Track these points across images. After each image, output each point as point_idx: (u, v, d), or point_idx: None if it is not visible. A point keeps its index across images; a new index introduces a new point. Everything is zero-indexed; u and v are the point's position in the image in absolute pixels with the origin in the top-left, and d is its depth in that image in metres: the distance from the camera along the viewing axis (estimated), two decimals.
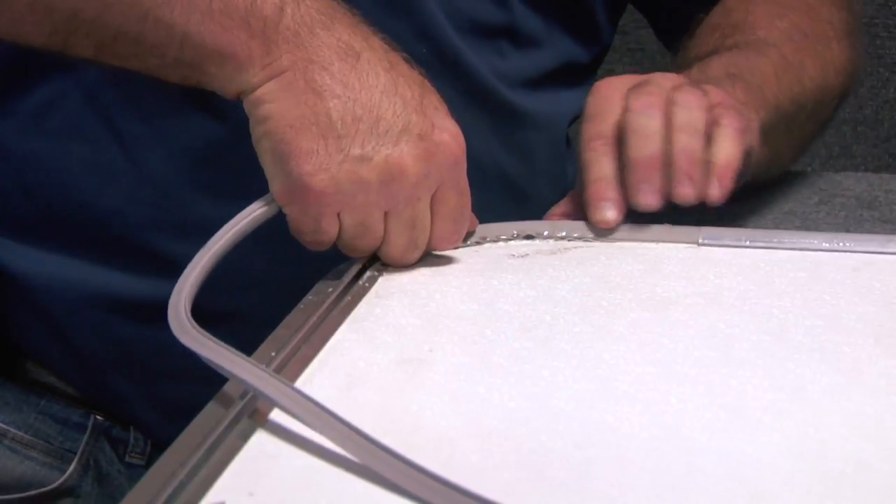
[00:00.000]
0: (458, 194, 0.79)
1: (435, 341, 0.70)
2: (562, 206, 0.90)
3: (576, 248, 0.85)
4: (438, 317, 0.74)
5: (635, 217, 0.87)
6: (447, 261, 0.82)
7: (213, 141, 0.90)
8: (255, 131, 0.76)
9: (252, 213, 0.77)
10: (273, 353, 0.68)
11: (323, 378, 0.66)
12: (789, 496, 0.55)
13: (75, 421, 0.97)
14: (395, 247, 0.79)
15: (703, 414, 0.62)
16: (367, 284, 0.78)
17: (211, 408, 0.62)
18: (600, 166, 0.85)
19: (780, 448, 0.59)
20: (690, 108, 0.84)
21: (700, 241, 0.85)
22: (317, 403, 0.59)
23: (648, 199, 0.83)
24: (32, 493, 0.95)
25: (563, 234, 0.87)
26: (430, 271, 0.81)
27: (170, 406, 0.94)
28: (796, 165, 1.68)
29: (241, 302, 0.92)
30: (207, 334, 0.66)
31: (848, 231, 0.99)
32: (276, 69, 0.75)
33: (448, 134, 0.78)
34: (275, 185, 0.76)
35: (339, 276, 0.79)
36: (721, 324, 0.72)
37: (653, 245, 0.85)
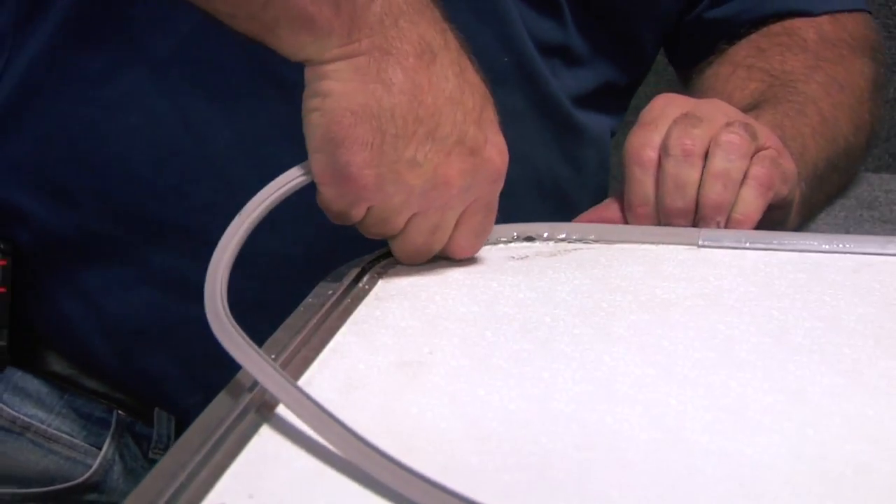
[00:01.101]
0: (488, 211, 0.79)
1: (435, 343, 0.70)
2: (600, 210, 0.92)
3: (576, 249, 0.85)
4: (438, 319, 0.74)
5: None
6: (447, 263, 0.82)
7: (279, 124, 0.89)
8: (310, 102, 0.75)
9: (289, 182, 0.76)
10: (273, 356, 0.68)
11: (323, 380, 0.66)
12: (789, 497, 0.55)
13: (98, 416, 0.97)
14: (410, 244, 0.78)
15: (703, 415, 0.62)
16: (367, 287, 0.78)
17: (211, 409, 0.62)
18: (645, 188, 0.88)
19: (780, 449, 0.59)
20: (730, 156, 0.86)
21: (700, 242, 0.85)
22: (318, 405, 0.59)
23: None
24: (58, 487, 0.95)
25: (563, 235, 0.87)
26: (429, 273, 0.81)
27: (213, 389, 0.94)
28: None
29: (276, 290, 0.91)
30: (234, 323, 0.65)
31: (848, 232, 0.99)
32: (353, 51, 0.74)
33: (496, 151, 0.77)
34: (318, 163, 0.75)
35: (339, 279, 0.79)
36: (721, 325, 0.72)
37: (652, 247, 0.85)
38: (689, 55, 1.11)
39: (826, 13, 1.09)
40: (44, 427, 0.96)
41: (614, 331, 0.72)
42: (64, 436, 0.96)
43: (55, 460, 0.95)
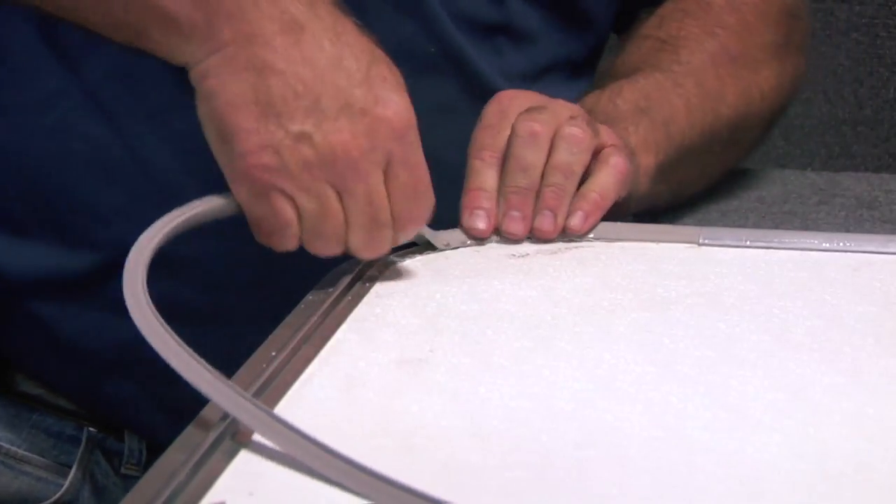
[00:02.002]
0: (409, 169, 0.77)
1: (435, 341, 0.70)
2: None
3: (576, 247, 0.85)
4: (439, 317, 0.74)
5: (635, 217, 0.87)
6: (447, 261, 0.82)
7: None
8: (200, 109, 0.75)
9: (202, 206, 0.76)
10: (273, 353, 0.68)
11: (323, 378, 0.66)
12: (789, 496, 0.55)
13: (69, 434, 0.96)
14: (360, 227, 0.76)
15: (703, 414, 0.62)
16: (367, 284, 0.78)
17: (212, 405, 0.62)
18: (483, 177, 0.87)
19: (781, 448, 0.59)
20: (573, 148, 0.86)
21: (700, 241, 0.85)
22: (295, 429, 0.58)
23: (513, 228, 0.86)
24: None
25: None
26: (430, 271, 0.81)
27: (175, 407, 0.93)
28: (797, 166, 1.69)
29: (228, 302, 0.91)
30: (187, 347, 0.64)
31: (848, 231, 0.99)
32: (218, 43, 0.73)
33: (392, 108, 0.76)
34: (222, 166, 0.75)
35: (339, 276, 0.79)
36: (721, 324, 0.72)
37: (653, 245, 0.85)
38: (622, 24, 1.10)
39: None
40: (14, 449, 0.94)
41: (615, 329, 0.72)
42: (34, 456, 0.94)
43: (27, 481, 0.94)
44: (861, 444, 0.59)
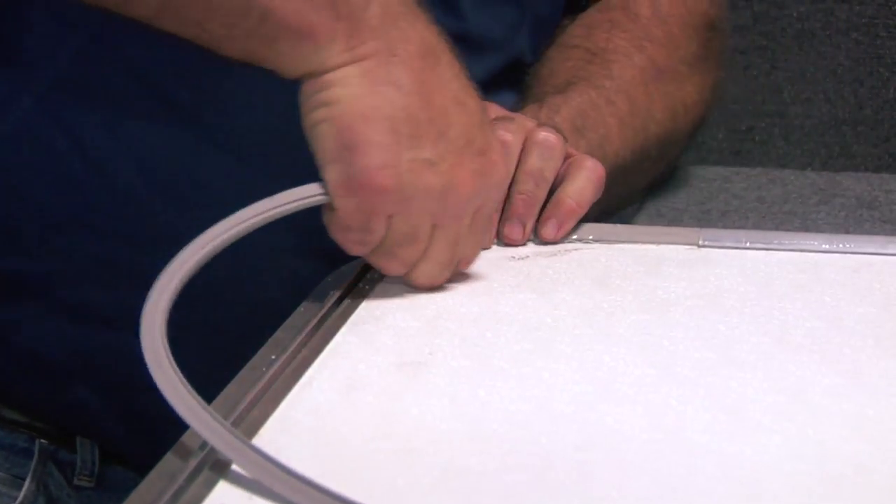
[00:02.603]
0: (490, 221, 0.78)
1: (435, 344, 0.70)
2: None
3: (576, 249, 0.85)
4: (438, 319, 0.74)
5: (634, 218, 0.87)
6: None
7: (181, 149, 0.87)
8: (316, 114, 0.72)
9: (301, 197, 0.73)
10: (273, 356, 0.68)
11: (323, 381, 0.66)
12: (789, 498, 0.55)
13: (21, 447, 0.94)
14: (434, 264, 0.76)
15: (703, 416, 0.62)
16: (367, 287, 0.78)
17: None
18: None
19: (781, 450, 0.59)
20: (545, 153, 0.85)
21: (700, 242, 0.85)
22: (273, 460, 0.56)
23: None
24: None
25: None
26: None
27: (137, 417, 0.91)
28: (797, 166, 1.69)
29: (221, 317, 0.90)
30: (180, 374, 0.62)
31: (848, 231, 0.99)
32: (359, 54, 0.72)
33: (500, 155, 0.76)
34: (333, 174, 0.72)
35: (339, 279, 0.79)
36: (721, 325, 0.72)
37: (653, 246, 0.85)
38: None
39: None
40: None
41: (614, 331, 0.72)
42: None
43: None
44: (861, 446, 0.59)
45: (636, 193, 1.04)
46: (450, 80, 0.74)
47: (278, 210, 0.72)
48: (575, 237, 0.87)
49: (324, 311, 0.74)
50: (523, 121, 0.87)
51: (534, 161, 0.85)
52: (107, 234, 0.88)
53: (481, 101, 0.77)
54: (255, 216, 0.72)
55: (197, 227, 0.72)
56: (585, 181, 0.86)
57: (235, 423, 0.61)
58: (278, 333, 0.71)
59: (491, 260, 0.83)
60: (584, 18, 1.04)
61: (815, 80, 1.70)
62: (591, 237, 0.86)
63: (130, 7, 0.75)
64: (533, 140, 0.85)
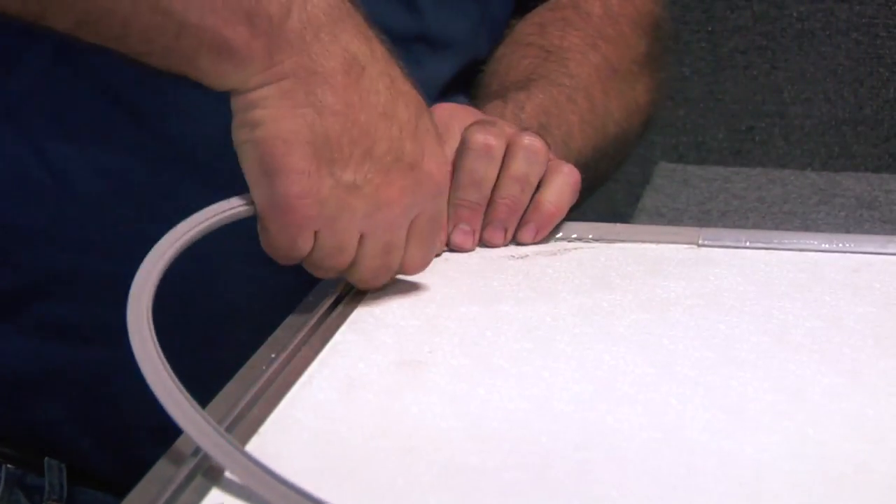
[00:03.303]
0: (435, 224, 0.76)
1: (435, 342, 0.70)
2: None
3: (575, 248, 0.85)
4: (438, 318, 0.74)
5: (634, 218, 0.87)
6: (447, 262, 0.82)
7: (144, 157, 0.86)
8: (240, 133, 0.71)
9: (230, 209, 0.72)
10: (273, 355, 0.68)
11: (322, 379, 0.66)
12: (789, 497, 0.55)
13: None
14: (366, 269, 0.75)
15: (702, 415, 0.62)
16: None
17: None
18: None
19: (780, 449, 0.59)
20: (531, 158, 0.85)
21: (700, 241, 0.85)
22: (266, 468, 0.56)
23: (462, 240, 0.85)
24: None
25: (561, 234, 0.87)
26: (429, 272, 0.81)
27: (107, 433, 0.90)
28: (797, 166, 1.69)
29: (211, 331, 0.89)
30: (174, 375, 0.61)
31: (848, 231, 0.99)
32: (277, 74, 0.70)
33: (436, 163, 0.75)
34: (257, 197, 0.72)
35: (339, 278, 0.78)
36: (721, 325, 0.72)
37: (653, 246, 0.85)
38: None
39: None
40: None
41: (614, 330, 0.72)
42: None
43: None
44: (860, 445, 0.59)
45: (591, 192, 1.03)
46: (376, 92, 0.72)
47: (208, 223, 0.71)
48: (575, 236, 0.87)
49: (323, 309, 0.74)
50: (504, 125, 0.86)
51: (519, 165, 0.84)
52: (73, 247, 0.87)
53: (418, 107, 0.75)
54: (190, 230, 0.70)
55: (159, 234, 0.70)
56: (563, 185, 0.86)
57: (235, 422, 0.61)
58: (278, 332, 0.71)
59: (491, 260, 0.83)
60: (536, 17, 1.03)
61: (815, 80, 1.70)
62: (591, 236, 0.86)
63: (47, 21, 0.72)
64: (518, 144, 0.85)
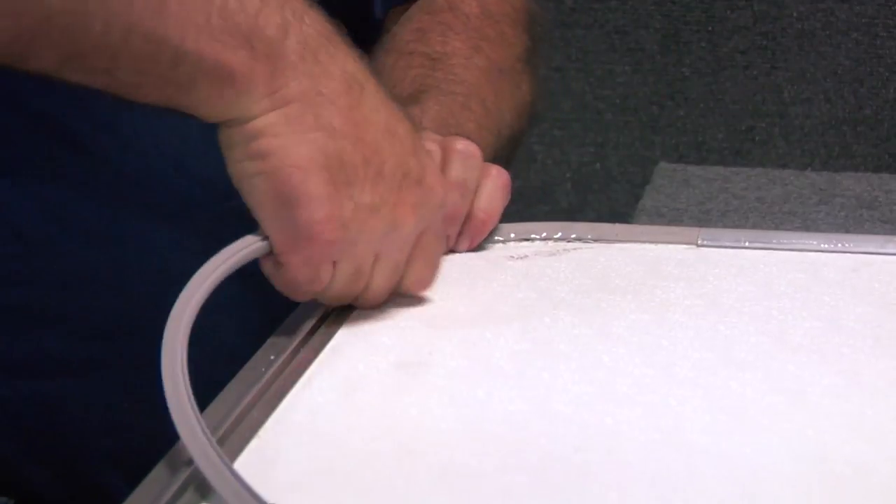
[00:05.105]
0: (439, 240, 0.76)
1: (434, 344, 0.70)
2: None
3: (575, 249, 0.85)
4: (438, 319, 0.74)
5: (634, 218, 0.87)
6: (446, 263, 0.82)
7: (79, 187, 0.84)
8: (247, 167, 0.69)
9: (244, 249, 0.69)
10: (272, 357, 0.68)
11: (322, 381, 0.66)
12: (789, 498, 0.55)
13: None
14: (377, 291, 0.74)
15: (702, 416, 0.62)
16: None
17: (210, 411, 0.62)
18: None
19: (780, 450, 0.59)
20: (468, 162, 0.83)
21: (699, 242, 0.85)
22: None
23: None
24: None
25: (560, 234, 0.87)
26: None
27: (58, 463, 0.88)
28: (797, 166, 1.69)
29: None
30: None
31: (848, 231, 0.99)
32: (283, 99, 0.68)
33: (436, 177, 0.74)
34: (274, 231, 0.69)
35: None
36: (720, 325, 0.72)
37: (652, 246, 0.85)
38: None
39: None
40: None
41: (613, 331, 0.72)
42: None
43: None
44: (860, 446, 0.59)
45: None
46: (377, 110, 0.71)
47: (226, 266, 0.68)
48: (575, 236, 0.86)
49: (323, 310, 0.74)
50: (431, 134, 0.85)
51: (457, 172, 0.82)
52: (14, 281, 0.85)
53: (409, 123, 0.74)
54: (212, 273, 0.68)
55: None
56: (493, 190, 0.84)
57: (234, 425, 0.61)
58: (277, 334, 0.71)
59: (491, 260, 0.83)
60: (413, 23, 1.01)
61: (815, 80, 1.70)
62: (590, 237, 0.86)
63: (29, 62, 0.68)
64: (453, 149, 0.83)
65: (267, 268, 0.71)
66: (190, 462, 0.57)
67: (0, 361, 0.86)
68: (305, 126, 0.68)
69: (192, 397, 0.59)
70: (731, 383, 0.65)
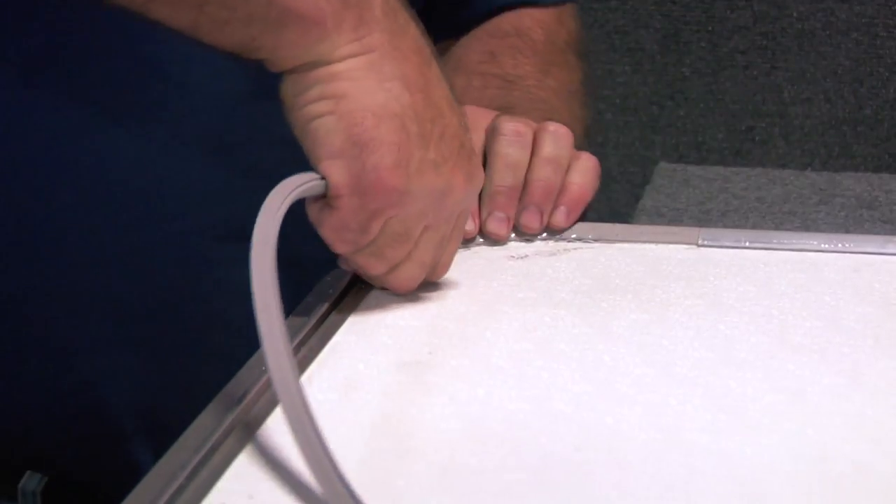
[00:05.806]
0: (462, 230, 0.77)
1: (434, 343, 0.70)
2: None
3: (575, 249, 0.85)
4: (438, 318, 0.74)
5: (634, 218, 0.87)
6: None
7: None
8: (316, 107, 0.70)
9: (304, 184, 0.69)
10: None
11: (322, 380, 0.66)
12: (789, 498, 0.55)
13: None
14: (417, 265, 0.74)
15: (702, 415, 0.62)
16: (366, 286, 0.78)
17: (210, 410, 0.62)
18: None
19: (780, 449, 0.59)
20: (559, 142, 0.86)
21: (699, 241, 0.85)
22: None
23: (497, 227, 0.85)
24: None
25: (560, 234, 0.87)
26: None
27: (92, 440, 0.88)
28: (797, 166, 1.69)
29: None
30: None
31: (848, 231, 0.99)
32: (366, 46, 0.70)
33: (479, 159, 0.76)
34: (337, 170, 0.70)
35: (338, 278, 0.79)
36: (721, 325, 0.72)
37: (652, 246, 0.85)
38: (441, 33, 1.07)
39: (552, 5, 1.06)
40: None
41: (614, 330, 0.72)
42: None
43: None
44: (860, 445, 0.59)
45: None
46: (441, 79, 0.74)
47: (292, 195, 0.68)
48: (574, 236, 0.87)
49: (323, 310, 0.74)
50: (527, 121, 0.88)
51: (550, 148, 0.86)
52: (51, 263, 0.84)
53: (461, 108, 0.76)
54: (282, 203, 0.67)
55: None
56: (586, 170, 0.87)
57: (234, 424, 0.61)
58: None
59: (491, 260, 0.83)
60: (481, 44, 1.04)
61: (815, 80, 1.70)
62: (590, 237, 0.86)
63: None
64: (545, 130, 0.86)
65: (314, 211, 0.71)
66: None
67: (36, 341, 0.87)
68: (383, 75, 0.70)
69: (284, 326, 0.59)
70: (731, 383, 0.65)
